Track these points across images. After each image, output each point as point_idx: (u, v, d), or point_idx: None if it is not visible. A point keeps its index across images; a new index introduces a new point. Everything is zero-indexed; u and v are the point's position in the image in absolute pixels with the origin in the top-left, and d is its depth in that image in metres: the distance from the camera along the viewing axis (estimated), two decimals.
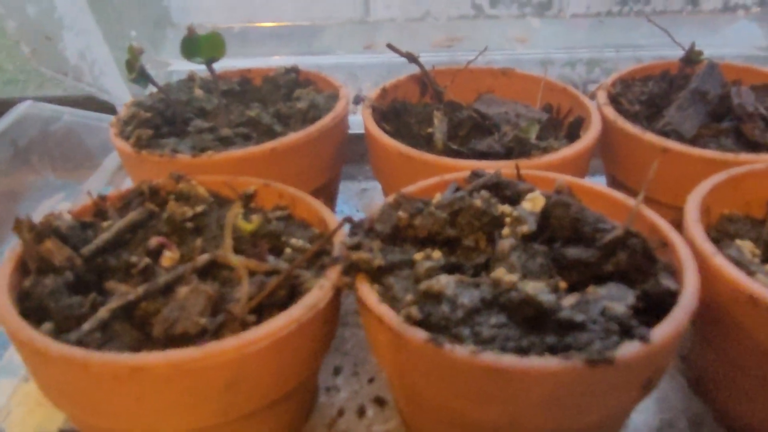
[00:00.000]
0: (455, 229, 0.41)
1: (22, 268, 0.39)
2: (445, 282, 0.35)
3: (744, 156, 0.49)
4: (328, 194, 0.59)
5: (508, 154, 0.52)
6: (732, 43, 0.69)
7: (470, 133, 0.59)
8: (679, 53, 0.61)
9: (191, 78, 0.62)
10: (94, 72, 0.60)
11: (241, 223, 0.41)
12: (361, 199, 0.69)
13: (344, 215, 0.67)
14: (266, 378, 0.35)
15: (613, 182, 0.60)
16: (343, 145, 0.58)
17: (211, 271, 0.42)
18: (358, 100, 0.58)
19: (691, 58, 0.58)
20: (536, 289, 0.34)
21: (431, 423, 0.39)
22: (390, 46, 0.58)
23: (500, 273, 0.35)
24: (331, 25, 0.69)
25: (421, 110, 0.61)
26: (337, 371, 0.47)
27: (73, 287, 0.39)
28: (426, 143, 0.57)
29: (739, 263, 0.41)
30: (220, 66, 0.64)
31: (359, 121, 0.57)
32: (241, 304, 0.35)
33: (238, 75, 0.64)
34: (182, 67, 0.69)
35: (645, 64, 0.64)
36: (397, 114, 0.61)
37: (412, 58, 0.60)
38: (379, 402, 0.45)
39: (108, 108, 0.67)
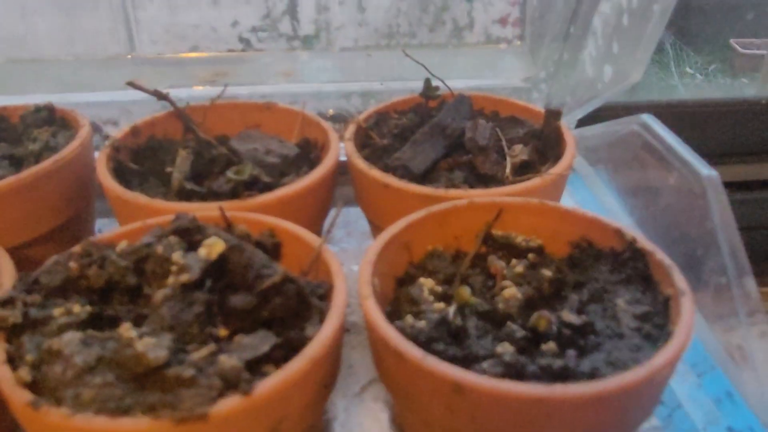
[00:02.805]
0: (137, 276, 0.41)
1: None
2: (67, 340, 0.34)
3: (453, 192, 0.50)
4: (68, 237, 0.57)
5: (233, 194, 0.52)
6: (499, 75, 0.71)
7: (224, 169, 0.59)
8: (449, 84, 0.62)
9: None
10: None
11: None
12: None
13: None
14: None
15: (366, 215, 0.61)
16: (79, 186, 0.56)
17: None
18: (102, 134, 0.57)
19: (428, 94, 0.60)
20: (149, 345, 0.33)
21: None
22: (132, 84, 0.57)
23: (124, 328, 0.35)
24: (97, 60, 0.67)
25: (177, 148, 0.60)
26: None
27: None
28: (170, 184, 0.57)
29: (415, 303, 0.42)
30: None
31: None
32: None
33: None
34: None
35: (406, 97, 0.65)
36: (154, 152, 0.61)
37: (160, 96, 0.59)
38: None
39: None
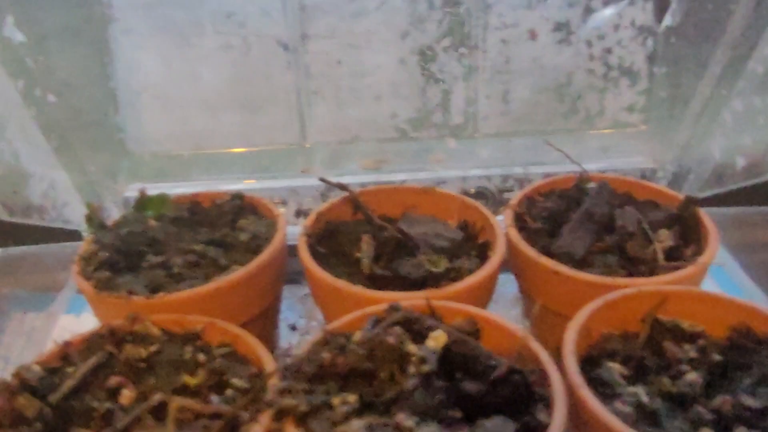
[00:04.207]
0: (372, 363, 0.49)
1: None
2: (356, 427, 0.42)
3: (620, 280, 0.58)
4: (271, 311, 0.66)
5: (423, 280, 0.60)
6: (626, 156, 0.79)
7: (395, 250, 0.67)
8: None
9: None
10: (57, 206, 0.67)
11: (187, 379, 0.48)
12: (303, 304, 0.76)
13: (289, 323, 0.75)
14: None
15: (522, 291, 0.68)
16: (283, 271, 0.65)
17: (165, 408, 0.49)
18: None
19: (581, 185, 0.68)
20: None
21: None
22: (323, 179, 0.66)
23: (400, 418, 0.43)
24: (271, 150, 0.77)
25: (351, 230, 0.69)
26: None
27: None
28: (356, 265, 0.65)
29: (608, 385, 0.50)
30: (172, 191, 0.71)
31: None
32: None
33: (188, 200, 0.71)
34: (135, 193, 0.76)
35: (548, 180, 0.73)
36: (331, 235, 0.69)
37: (343, 188, 0.68)
38: None
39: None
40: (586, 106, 0.76)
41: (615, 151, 0.78)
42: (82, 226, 0.73)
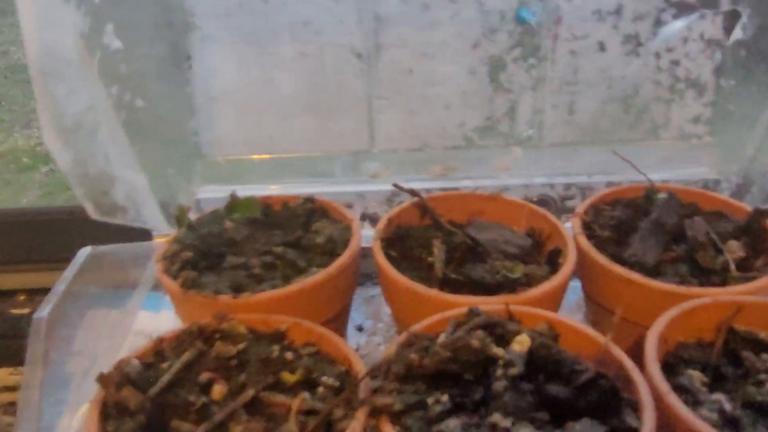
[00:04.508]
0: (456, 365, 0.50)
1: (104, 412, 0.48)
2: (452, 426, 0.44)
3: (695, 290, 0.59)
4: (344, 311, 0.68)
5: (497, 285, 0.61)
6: (689, 167, 0.80)
7: (465, 255, 0.68)
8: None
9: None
10: (137, 207, 0.69)
11: (286, 376, 0.50)
12: (369, 306, 0.78)
13: (355, 324, 0.76)
14: None
15: (588, 297, 0.69)
16: (357, 273, 0.67)
17: (255, 404, 0.51)
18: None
19: (650, 195, 0.68)
20: None
21: None
22: (396, 185, 0.68)
23: (496, 418, 0.44)
24: (341, 155, 0.79)
25: (420, 234, 0.70)
26: None
27: (145, 427, 0.47)
28: (427, 268, 0.66)
29: (689, 392, 0.51)
30: (244, 194, 0.73)
31: (368, 235, 0.67)
32: None
33: (260, 203, 0.73)
34: (208, 195, 0.78)
35: (613, 189, 0.74)
36: (401, 239, 0.71)
37: (414, 194, 0.70)
38: None
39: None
40: (652, 117, 0.77)
41: (678, 162, 0.79)
42: (155, 226, 0.76)
